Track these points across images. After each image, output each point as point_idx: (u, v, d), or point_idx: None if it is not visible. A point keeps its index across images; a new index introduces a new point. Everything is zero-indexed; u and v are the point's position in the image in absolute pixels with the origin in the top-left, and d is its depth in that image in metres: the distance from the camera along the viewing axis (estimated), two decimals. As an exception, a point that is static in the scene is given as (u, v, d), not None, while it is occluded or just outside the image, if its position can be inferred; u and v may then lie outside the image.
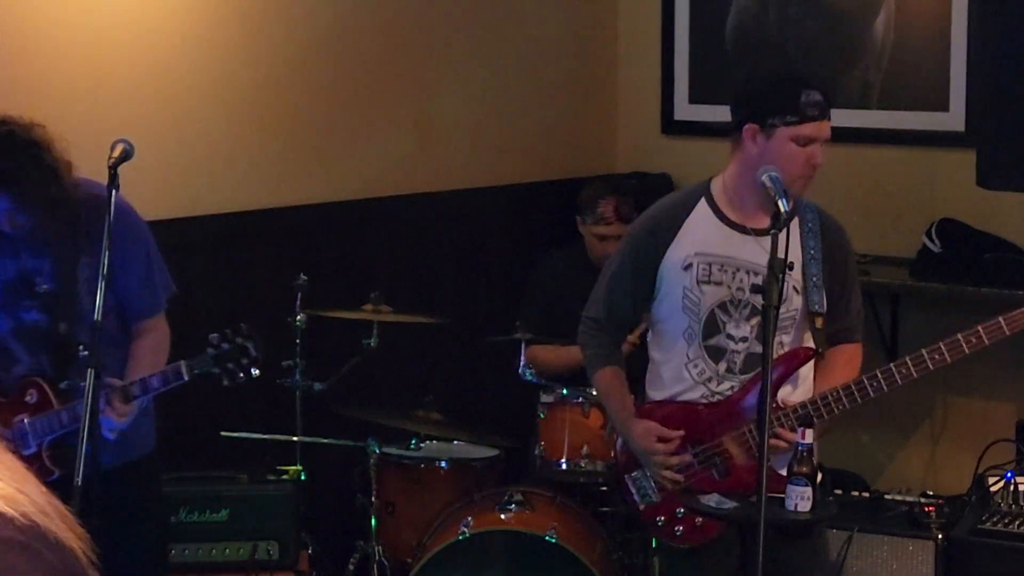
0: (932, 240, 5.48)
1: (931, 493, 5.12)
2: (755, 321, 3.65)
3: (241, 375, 3.58)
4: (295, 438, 4.66)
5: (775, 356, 3.43)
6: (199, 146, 4.71)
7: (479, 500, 4.55)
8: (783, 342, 3.67)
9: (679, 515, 3.73)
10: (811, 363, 3.75)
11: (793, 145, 3.57)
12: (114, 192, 3.44)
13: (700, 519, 3.69)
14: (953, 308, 5.29)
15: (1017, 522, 4.63)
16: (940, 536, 4.67)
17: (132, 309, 3.71)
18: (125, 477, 3.64)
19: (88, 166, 3.60)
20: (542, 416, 4.78)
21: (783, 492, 3.43)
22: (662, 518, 3.77)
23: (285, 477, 4.50)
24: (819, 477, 3.58)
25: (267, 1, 4.89)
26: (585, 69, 6.27)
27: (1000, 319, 3.58)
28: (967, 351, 3.58)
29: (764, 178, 3.43)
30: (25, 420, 3.61)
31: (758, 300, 3.34)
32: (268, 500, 4.44)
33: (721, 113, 3.99)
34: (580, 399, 4.73)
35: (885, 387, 3.60)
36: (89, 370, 3.30)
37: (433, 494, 4.67)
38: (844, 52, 5.78)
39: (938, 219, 5.53)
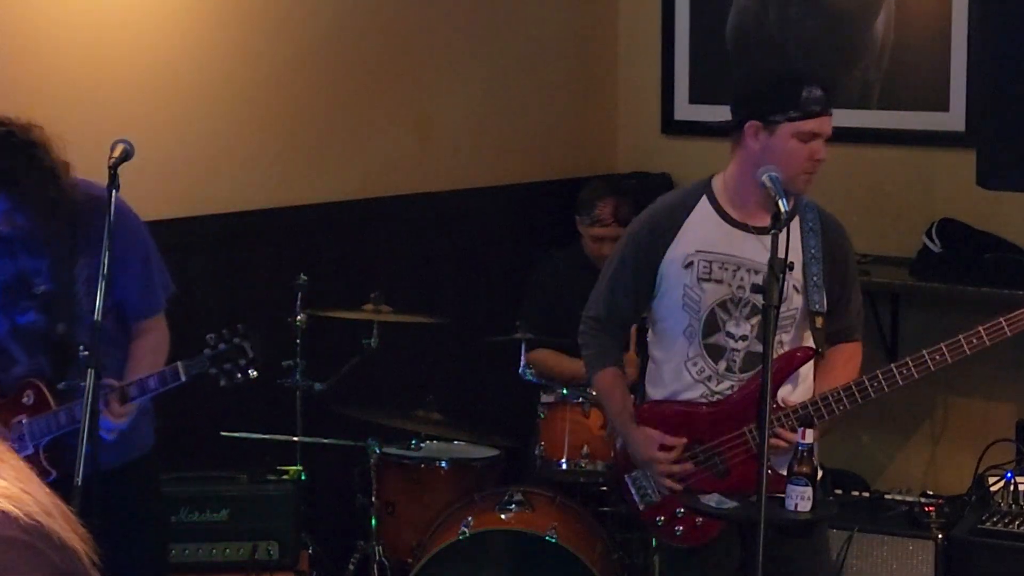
0: (932, 240, 5.49)
1: (931, 493, 5.12)
2: (755, 320, 3.65)
3: (239, 376, 3.57)
4: (295, 438, 4.66)
5: (775, 355, 3.43)
6: (199, 146, 4.71)
7: (479, 500, 4.55)
8: (783, 341, 3.67)
9: (679, 515, 3.73)
10: (811, 363, 3.75)
11: (795, 141, 3.57)
12: (114, 192, 3.44)
13: (700, 519, 3.69)
14: (953, 308, 5.29)
15: (1017, 522, 4.63)
16: (940, 536, 4.67)
17: (131, 309, 3.71)
18: (124, 477, 3.63)
19: (88, 166, 3.60)
20: (542, 416, 4.78)
21: (783, 492, 3.43)
22: (662, 518, 3.77)
23: (285, 477, 4.50)
24: (819, 474, 3.58)
25: (267, 1, 4.89)
26: (585, 69, 6.27)
27: (1001, 320, 3.58)
28: (968, 352, 3.58)
29: (764, 178, 3.43)
30: (23, 421, 3.60)
31: (758, 299, 3.35)
32: (268, 500, 4.44)
33: (721, 113, 3.99)
34: (580, 399, 4.73)
35: (886, 387, 3.60)
36: (89, 370, 3.30)
37: (433, 494, 4.67)
38: (844, 52, 5.78)
39: (938, 219, 5.53)
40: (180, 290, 3.91)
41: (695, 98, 6.17)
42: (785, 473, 3.47)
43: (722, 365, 3.70)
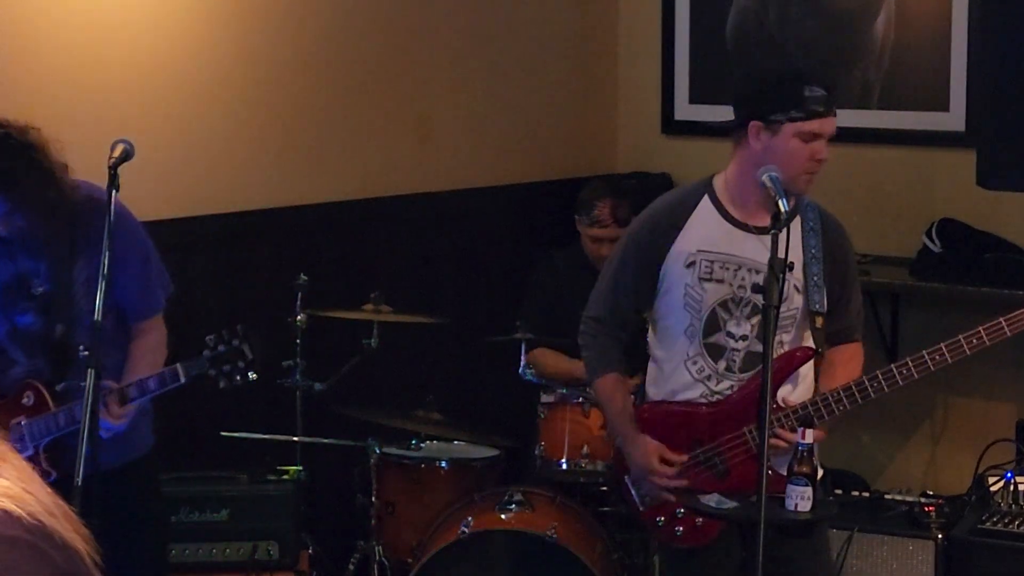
0: (932, 240, 5.49)
1: (931, 493, 5.12)
2: (756, 319, 3.65)
3: (238, 378, 3.56)
4: (295, 438, 4.66)
5: (775, 355, 3.43)
6: (199, 146, 4.71)
7: (479, 500, 4.55)
8: (783, 341, 3.67)
9: (679, 515, 3.73)
10: (811, 363, 3.75)
11: (798, 141, 3.56)
12: (114, 192, 3.44)
13: (701, 519, 3.69)
14: (953, 308, 5.29)
15: (1017, 522, 4.63)
16: (940, 536, 4.67)
17: (130, 310, 3.71)
18: (124, 477, 3.63)
19: (88, 166, 3.60)
20: (542, 416, 4.78)
21: (783, 492, 3.43)
22: (662, 519, 3.76)
23: (285, 477, 4.50)
24: (820, 474, 3.58)
25: (267, 1, 4.89)
26: (585, 69, 6.27)
27: (1001, 320, 3.58)
28: (968, 352, 3.57)
29: (764, 178, 3.43)
30: (22, 422, 3.60)
31: (759, 299, 3.34)
32: (268, 500, 4.44)
33: (721, 113, 4.00)
34: (580, 399, 4.74)
35: (886, 387, 3.60)
36: (89, 370, 3.30)
37: (433, 494, 4.67)
38: (844, 52, 5.78)
39: (938, 219, 5.53)
40: (180, 290, 3.91)
41: (695, 98, 6.17)
42: (785, 473, 3.47)
43: (722, 364, 3.70)
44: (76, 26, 4.32)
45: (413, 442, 4.78)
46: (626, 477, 3.83)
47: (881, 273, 5.47)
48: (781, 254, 3.22)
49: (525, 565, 4.42)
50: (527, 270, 5.44)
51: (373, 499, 4.65)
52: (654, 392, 3.81)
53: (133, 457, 3.73)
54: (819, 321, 3.68)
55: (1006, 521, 4.64)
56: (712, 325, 3.69)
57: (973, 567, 4.60)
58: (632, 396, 3.88)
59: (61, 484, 3.23)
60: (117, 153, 3.48)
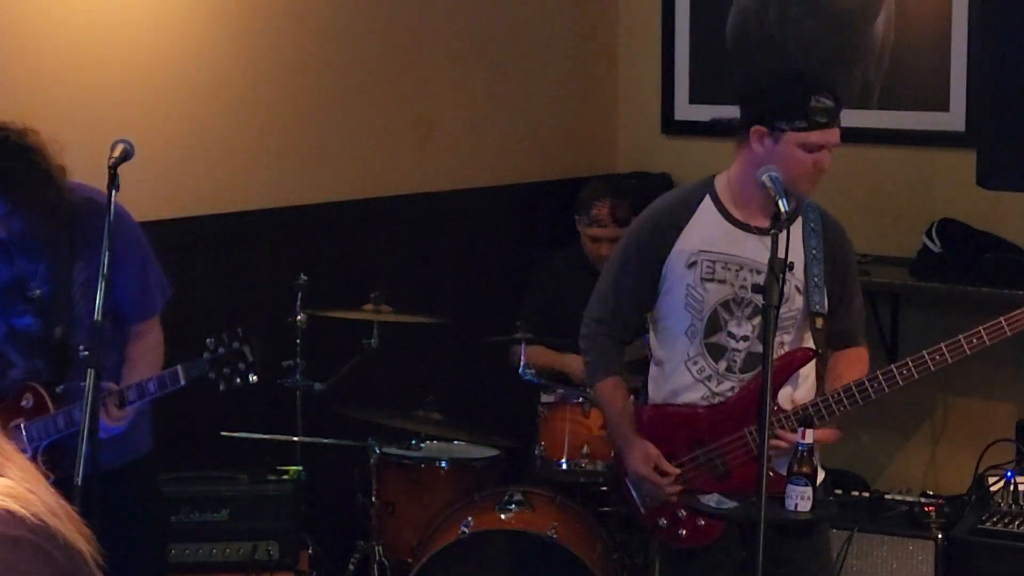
0: (932, 240, 5.49)
1: (931, 493, 5.12)
2: (757, 320, 3.64)
3: (238, 380, 3.55)
4: (295, 438, 4.66)
5: (775, 356, 3.42)
6: (199, 146, 4.71)
7: (479, 500, 4.54)
8: (784, 342, 3.67)
9: (681, 517, 3.73)
10: (812, 363, 3.75)
11: (800, 151, 3.54)
12: (114, 193, 3.44)
13: (703, 520, 3.68)
14: (953, 308, 5.29)
15: (1017, 522, 4.63)
16: (940, 536, 4.67)
17: (128, 312, 3.70)
18: (124, 478, 3.63)
19: (87, 167, 3.60)
20: (542, 416, 4.78)
21: (784, 492, 3.43)
22: (665, 521, 3.76)
23: (285, 477, 4.50)
24: (820, 475, 3.58)
25: (267, 1, 4.89)
26: (585, 69, 6.27)
27: (1001, 320, 3.58)
28: (968, 352, 3.57)
29: (764, 178, 3.42)
30: (21, 424, 3.60)
31: (759, 299, 3.34)
32: (268, 500, 4.44)
33: (721, 113, 3.98)
34: (580, 399, 4.73)
35: (886, 388, 3.60)
36: (89, 370, 3.30)
37: (433, 494, 4.67)
38: (844, 52, 5.78)
39: (938, 219, 5.53)
40: (180, 290, 3.91)
41: (695, 98, 6.17)
42: (785, 473, 3.47)
43: (723, 365, 3.69)
44: (76, 26, 4.32)
45: (413, 442, 4.77)
46: (627, 478, 3.83)
47: (881, 273, 5.47)
48: (781, 254, 3.22)
49: (525, 565, 4.42)
50: (527, 270, 5.44)
51: (373, 499, 4.65)
52: (655, 392, 3.81)
53: (133, 457, 3.73)
54: (819, 322, 3.68)
55: (1006, 521, 4.64)
56: (713, 325, 3.69)
57: (973, 567, 4.60)
58: (633, 397, 3.88)
59: (60, 485, 3.23)
60: (117, 153, 3.48)
